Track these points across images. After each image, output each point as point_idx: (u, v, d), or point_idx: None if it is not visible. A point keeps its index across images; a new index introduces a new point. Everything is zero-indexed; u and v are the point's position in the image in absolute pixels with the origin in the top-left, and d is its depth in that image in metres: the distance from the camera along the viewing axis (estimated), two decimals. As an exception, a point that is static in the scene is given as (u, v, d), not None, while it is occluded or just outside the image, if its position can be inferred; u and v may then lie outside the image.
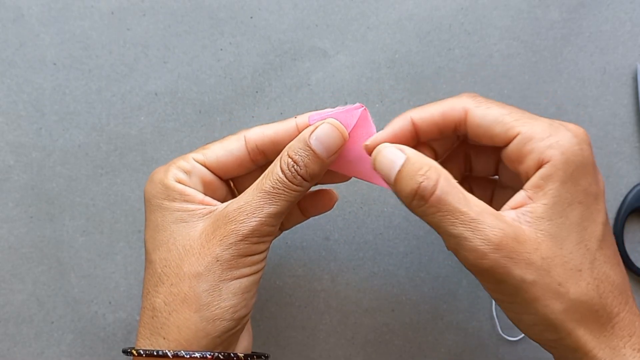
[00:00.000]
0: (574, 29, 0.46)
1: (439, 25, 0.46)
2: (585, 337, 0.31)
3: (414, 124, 0.34)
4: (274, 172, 0.34)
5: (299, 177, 0.33)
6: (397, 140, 0.34)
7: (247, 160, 0.36)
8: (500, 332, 0.45)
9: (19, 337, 0.45)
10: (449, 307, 0.46)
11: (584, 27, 0.46)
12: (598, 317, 0.31)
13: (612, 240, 0.33)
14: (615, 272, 0.32)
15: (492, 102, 0.34)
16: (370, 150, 0.34)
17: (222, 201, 0.37)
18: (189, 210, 0.34)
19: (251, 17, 0.46)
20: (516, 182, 0.34)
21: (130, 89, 0.46)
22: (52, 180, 0.45)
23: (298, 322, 0.46)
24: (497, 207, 0.39)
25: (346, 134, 0.34)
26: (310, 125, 0.35)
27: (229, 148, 0.36)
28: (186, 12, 0.46)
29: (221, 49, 0.46)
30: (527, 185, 0.32)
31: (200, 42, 0.46)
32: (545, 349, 0.33)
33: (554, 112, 0.46)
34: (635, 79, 0.46)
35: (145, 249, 0.35)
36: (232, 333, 0.34)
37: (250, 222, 0.33)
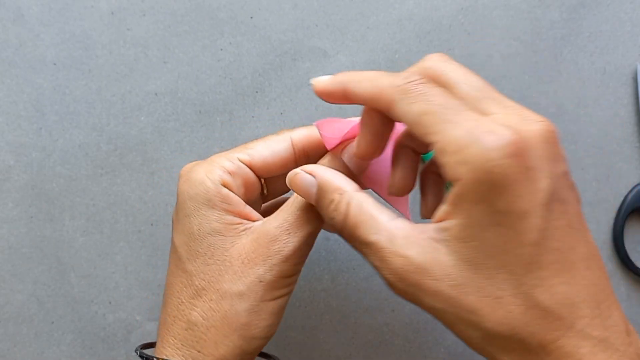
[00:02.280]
0: (574, 29, 0.46)
1: (439, 25, 0.46)
2: None
3: (345, 94, 0.32)
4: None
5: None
6: (328, 96, 0.33)
7: (291, 162, 0.35)
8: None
9: (19, 337, 0.45)
10: (449, 307, 0.46)
11: (584, 27, 0.46)
12: (525, 345, 0.27)
13: (556, 259, 0.27)
14: (552, 297, 0.27)
15: (422, 92, 0.29)
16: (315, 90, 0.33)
17: (255, 199, 0.36)
18: (227, 223, 0.33)
19: (251, 17, 0.46)
20: None
21: (130, 89, 0.46)
22: (52, 180, 0.45)
23: (298, 322, 0.46)
24: None
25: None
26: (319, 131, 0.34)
27: (275, 149, 0.35)
28: (186, 12, 0.46)
29: (221, 49, 0.46)
30: (446, 198, 0.28)
31: (200, 42, 0.46)
32: None
33: (554, 112, 0.46)
34: (635, 79, 0.46)
35: (177, 255, 0.34)
36: (259, 350, 0.34)
37: (293, 243, 0.33)
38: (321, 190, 0.31)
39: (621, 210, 0.45)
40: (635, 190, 0.45)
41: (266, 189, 0.38)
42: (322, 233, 0.45)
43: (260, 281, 0.32)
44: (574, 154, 0.46)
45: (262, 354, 0.39)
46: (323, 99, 0.33)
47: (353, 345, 0.46)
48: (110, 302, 0.46)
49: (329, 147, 0.34)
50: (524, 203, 0.27)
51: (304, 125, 0.46)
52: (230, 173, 0.34)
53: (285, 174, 0.35)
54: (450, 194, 0.28)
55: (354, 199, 0.30)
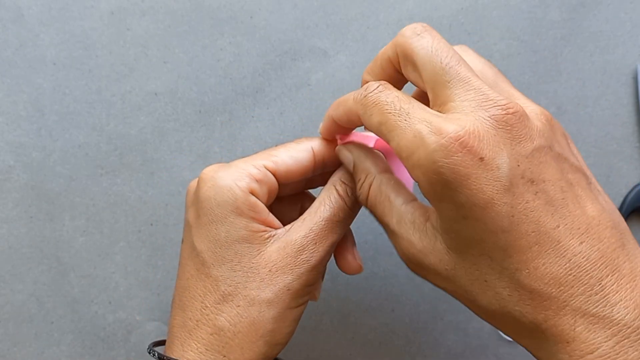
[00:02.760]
0: (574, 29, 0.46)
1: (439, 25, 0.46)
2: (518, 339, 0.29)
3: (335, 124, 0.35)
4: (333, 199, 0.35)
5: (353, 198, 0.35)
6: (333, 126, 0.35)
7: (310, 171, 0.36)
8: (500, 332, 0.45)
9: (19, 337, 0.45)
10: (449, 307, 0.46)
11: (584, 27, 0.46)
12: (519, 323, 0.28)
13: (535, 240, 0.27)
14: (537, 277, 0.27)
15: (377, 102, 0.30)
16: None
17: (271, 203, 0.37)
18: (254, 231, 0.33)
19: (251, 17, 0.46)
20: None
21: (130, 89, 0.46)
22: (52, 180, 0.45)
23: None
24: None
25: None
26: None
27: (298, 158, 0.35)
28: (186, 12, 0.46)
29: (221, 49, 0.46)
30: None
31: (200, 42, 0.46)
32: None
33: (554, 112, 0.46)
34: (635, 79, 0.46)
35: (202, 260, 0.34)
36: (277, 354, 0.35)
37: (319, 253, 0.34)
38: (354, 168, 0.34)
39: (621, 210, 0.45)
40: (635, 190, 0.45)
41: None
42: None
43: (288, 289, 0.33)
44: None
45: None
46: (329, 138, 0.36)
47: (353, 345, 0.46)
48: (110, 302, 0.46)
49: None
50: (484, 194, 0.27)
51: (303, 125, 0.46)
52: (257, 181, 0.34)
53: (300, 181, 0.37)
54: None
55: (375, 181, 0.33)
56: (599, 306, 0.27)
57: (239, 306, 0.33)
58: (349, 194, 0.35)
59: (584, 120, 0.46)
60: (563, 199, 0.28)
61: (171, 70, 0.46)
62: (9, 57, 0.45)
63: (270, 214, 0.34)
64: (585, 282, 0.27)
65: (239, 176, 0.33)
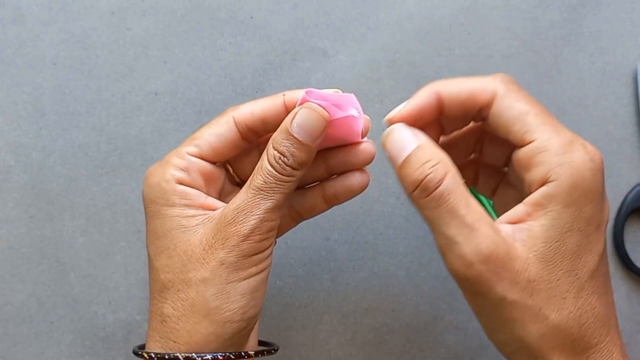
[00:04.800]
0: (574, 29, 0.46)
1: (439, 25, 0.46)
2: None
3: (438, 99, 0.33)
4: (263, 167, 0.33)
5: (287, 168, 0.33)
6: (420, 113, 0.33)
7: (239, 141, 0.35)
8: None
9: (19, 337, 0.45)
10: (449, 307, 0.46)
11: (584, 27, 0.46)
12: (574, 346, 0.30)
13: (605, 270, 0.31)
14: (601, 303, 0.30)
15: (523, 95, 0.32)
16: (395, 121, 0.33)
17: (223, 187, 0.37)
18: (189, 216, 0.34)
19: (251, 17, 0.46)
20: (521, 185, 0.33)
21: (130, 89, 0.46)
22: (52, 180, 0.45)
23: (298, 322, 0.46)
24: (499, 203, 0.38)
25: (327, 115, 0.33)
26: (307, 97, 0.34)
27: (219, 133, 0.35)
28: (186, 12, 0.46)
29: (221, 49, 0.46)
30: (528, 200, 0.31)
31: (200, 42, 0.46)
32: None
33: (554, 112, 0.46)
34: (635, 79, 0.46)
35: (148, 256, 0.35)
36: (243, 334, 0.34)
37: (249, 222, 0.32)
38: (421, 150, 0.31)
39: (621, 210, 0.45)
40: (635, 190, 0.45)
41: (237, 176, 0.38)
42: (322, 232, 0.46)
43: (222, 264, 0.32)
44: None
45: (262, 343, 0.39)
46: (409, 123, 0.33)
47: (353, 345, 0.46)
48: (110, 302, 0.46)
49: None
50: (601, 215, 0.31)
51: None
52: (183, 169, 0.34)
53: (245, 156, 0.36)
54: (538, 194, 0.30)
55: (452, 169, 0.31)
56: (620, 339, 0.32)
57: (178, 291, 0.33)
58: (280, 160, 0.33)
59: (584, 120, 0.46)
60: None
61: (171, 70, 0.46)
62: (9, 57, 0.45)
63: (209, 197, 0.35)
64: (615, 318, 0.32)
65: (164, 170, 0.34)
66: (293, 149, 0.33)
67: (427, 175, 0.30)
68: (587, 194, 0.30)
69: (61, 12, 0.46)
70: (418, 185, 0.31)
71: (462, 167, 0.34)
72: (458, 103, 0.33)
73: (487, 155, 0.38)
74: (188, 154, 0.35)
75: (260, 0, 0.46)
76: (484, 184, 0.37)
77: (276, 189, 0.33)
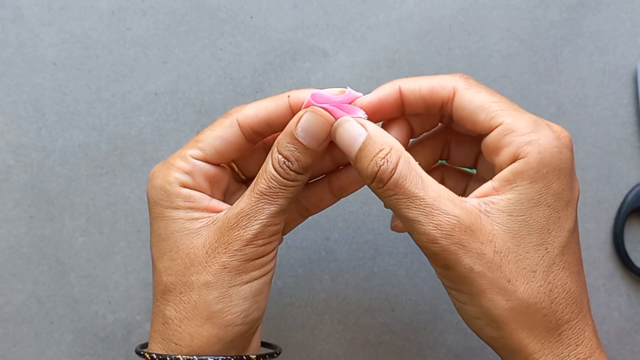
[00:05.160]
0: (574, 29, 0.46)
1: (439, 25, 0.46)
2: (528, 339, 0.30)
3: (401, 94, 0.34)
4: (267, 171, 0.33)
5: (292, 172, 0.32)
6: (381, 107, 0.34)
7: (244, 143, 0.35)
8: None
9: (19, 337, 0.45)
10: (449, 307, 0.46)
11: (584, 27, 0.46)
12: (546, 322, 0.30)
13: (576, 249, 0.32)
14: (573, 280, 0.31)
15: (483, 87, 0.33)
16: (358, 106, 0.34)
17: (228, 187, 0.37)
18: (193, 219, 0.34)
19: (251, 17, 0.46)
20: (492, 176, 0.33)
21: (130, 89, 0.46)
22: (52, 180, 0.45)
23: (298, 322, 0.46)
24: None
25: (332, 119, 0.33)
26: (309, 98, 0.33)
27: (223, 136, 0.35)
28: (186, 12, 0.46)
29: (221, 49, 0.46)
30: (497, 177, 0.31)
31: (200, 42, 0.46)
32: (489, 344, 0.33)
33: (554, 112, 0.46)
34: (635, 79, 0.46)
35: (151, 256, 0.35)
36: (245, 336, 0.34)
37: (252, 226, 0.32)
38: (370, 140, 0.32)
39: (621, 210, 0.45)
40: (635, 190, 0.45)
41: (242, 174, 0.38)
42: (322, 232, 0.46)
43: (225, 267, 0.32)
44: (574, 154, 0.46)
45: (265, 344, 0.39)
46: (374, 116, 0.34)
47: (353, 345, 0.46)
48: (110, 302, 0.46)
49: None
50: (571, 193, 0.31)
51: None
52: (187, 172, 0.34)
53: (250, 154, 0.36)
54: (506, 171, 0.31)
55: (404, 153, 0.31)
56: (591, 319, 0.32)
57: (181, 293, 0.33)
58: (285, 164, 0.32)
59: (584, 120, 0.46)
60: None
61: (171, 70, 0.46)
62: (9, 57, 0.45)
63: (214, 200, 0.34)
64: (587, 297, 0.32)
65: (168, 172, 0.34)
66: (298, 154, 0.32)
67: (381, 167, 0.31)
68: (555, 170, 0.30)
69: (61, 12, 0.46)
70: (374, 178, 0.31)
71: (429, 172, 0.34)
72: (419, 98, 0.33)
73: (454, 157, 0.38)
74: (192, 157, 0.34)
75: (260, 0, 0.46)
76: (453, 187, 0.37)
77: (280, 193, 0.33)
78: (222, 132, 0.35)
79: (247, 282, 0.33)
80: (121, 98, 0.46)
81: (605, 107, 0.46)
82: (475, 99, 0.32)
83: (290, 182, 0.33)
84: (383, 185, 0.31)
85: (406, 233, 0.46)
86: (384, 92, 0.34)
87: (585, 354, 0.30)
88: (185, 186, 0.34)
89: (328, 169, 0.37)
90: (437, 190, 0.31)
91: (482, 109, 0.32)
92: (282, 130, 0.34)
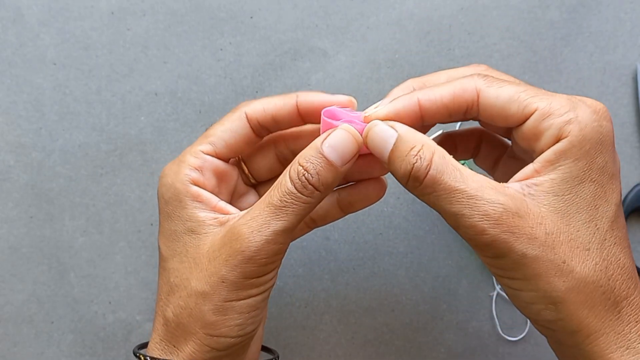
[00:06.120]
0: (574, 29, 0.46)
1: (439, 25, 0.46)
2: (589, 319, 0.29)
3: (420, 107, 0.32)
4: (282, 183, 0.31)
5: (310, 186, 0.31)
6: (398, 120, 0.32)
7: (252, 137, 0.35)
8: (500, 332, 0.45)
9: (19, 337, 0.45)
10: (449, 307, 0.46)
11: (584, 27, 0.46)
12: (604, 299, 0.29)
13: (623, 222, 0.31)
14: (625, 255, 0.30)
15: (504, 78, 0.32)
16: (368, 122, 0.33)
17: (236, 188, 0.36)
18: (200, 220, 0.33)
19: (251, 17, 0.46)
20: (531, 158, 0.32)
21: (130, 89, 0.46)
22: (52, 180, 0.45)
23: (298, 322, 0.46)
24: (501, 175, 0.38)
25: (361, 141, 0.32)
26: (322, 116, 0.33)
27: (232, 128, 0.34)
28: (186, 12, 0.46)
29: (221, 49, 0.46)
30: (539, 159, 0.30)
31: (200, 42, 0.46)
32: (541, 330, 0.32)
33: (554, 112, 0.46)
34: (635, 79, 0.46)
35: (160, 255, 0.35)
36: (240, 346, 0.34)
37: (255, 241, 0.31)
38: (402, 141, 0.31)
39: (621, 210, 0.45)
40: (635, 190, 0.45)
41: (252, 177, 0.38)
42: (322, 232, 0.46)
43: (223, 282, 0.32)
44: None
45: (264, 348, 0.39)
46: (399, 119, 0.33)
47: (353, 345, 0.46)
48: (110, 302, 0.46)
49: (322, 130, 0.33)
50: (614, 165, 0.31)
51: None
52: (197, 169, 0.34)
53: (261, 156, 0.36)
54: (549, 152, 0.30)
55: (438, 149, 0.31)
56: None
57: (181, 297, 0.33)
58: (304, 177, 0.31)
59: (584, 120, 0.46)
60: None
61: (171, 70, 0.46)
62: (9, 57, 0.45)
63: (221, 201, 0.34)
64: (627, 280, 0.31)
65: (179, 169, 0.34)
66: (320, 168, 0.31)
67: (414, 164, 0.30)
68: (597, 145, 0.30)
69: (61, 12, 0.46)
70: (409, 177, 0.30)
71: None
72: (441, 108, 0.32)
73: (480, 156, 0.38)
74: (202, 152, 0.34)
75: (260, 0, 0.46)
76: (485, 157, 0.37)
77: (292, 208, 0.31)
78: (230, 125, 0.35)
79: (243, 299, 0.32)
80: (121, 98, 0.46)
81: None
82: (501, 94, 0.31)
83: (304, 197, 0.31)
84: (420, 183, 0.30)
85: (408, 233, 0.46)
86: (402, 105, 0.32)
87: None
88: (194, 183, 0.34)
89: (339, 183, 0.37)
90: (477, 181, 0.30)
91: (512, 102, 0.31)
92: (287, 127, 0.35)
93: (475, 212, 0.29)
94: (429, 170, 0.30)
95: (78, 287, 0.45)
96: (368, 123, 0.33)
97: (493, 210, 0.29)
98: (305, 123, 0.35)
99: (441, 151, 0.31)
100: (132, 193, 0.46)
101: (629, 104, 0.46)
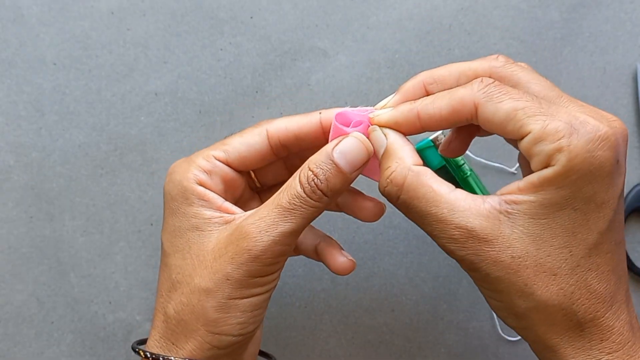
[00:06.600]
0: (574, 29, 0.46)
1: (439, 25, 0.46)
2: (548, 334, 0.30)
3: (419, 119, 0.32)
4: (292, 186, 0.32)
5: (318, 191, 0.32)
6: (397, 128, 0.33)
7: (269, 154, 0.35)
8: (500, 332, 0.45)
9: (19, 337, 0.45)
10: (449, 307, 0.46)
11: (584, 27, 0.46)
12: (566, 320, 0.30)
13: (611, 247, 0.31)
14: (601, 280, 0.30)
15: (505, 91, 0.31)
16: (374, 124, 0.34)
17: (241, 193, 0.37)
18: (205, 218, 0.33)
19: (251, 17, 0.46)
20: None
21: (130, 89, 0.46)
22: (52, 180, 0.45)
23: (298, 322, 0.46)
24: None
25: (372, 149, 0.33)
26: (334, 121, 0.33)
27: (250, 143, 0.35)
28: (186, 12, 0.46)
29: (221, 49, 0.46)
30: (525, 178, 0.30)
31: (200, 42, 0.46)
32: (515, 331, 0.33)
33: (554, 112, 0.46)
34: (635, 79, 0.46)
35: (163, 251, 0.35)
36: (239, 345, 0.34)
37: (263, 241, 0.32)
38: (386, 153, 0.32)
39: (621, 210, 0.45)
40: (635, 190, 0.45)
41: (258, 182, 0.38)
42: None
43: (228, 279, 0.32)
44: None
45: (261, 353, 0.39)
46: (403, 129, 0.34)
47: (353, 345, 0.46)
48: (110, 302, 0.46)
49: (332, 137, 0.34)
50: (607, 194, 0.30)
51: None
52: (206, 172, 0.34)
53: (269, 166, 0.37)
54: (534, 175, 0.29)
55: (411, 172, 0.31)
56: (625, 313, 0.31)
57: (183, 294, 0.33)
58: (313, 182, 0.32)
59: (584, 120, 0.46)
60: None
61: (171, 70, 0.46)
62: (9, 57, 0.45)
63: (226, 202, 0.34)
64: (623, 292, 0.31)
65: (187, 168, 0.34)
66: (329, 174, 0.32)
67: (385, 188, 0.32)
68: (586, 175, 0.29)
69: (61, 12, 0.46)
70: (386, 197, 0.32)
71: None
72: (440, 120, 0.32)
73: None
74: (215, 157, 0.35)
75: (260, 0, 0.46)
76: None
77: (300, 211, 0.32)
78: (250, 139, 0.35)
79: (247, 297, 0.33)
80: (121, 98, 0.46)
81: (605, 107, 0.46)
82: (498, 110, 0.30)
83: (312, 202, 0.32)
84: (395, 203, 0.32)
85: (408, 233, 0.46)
86: (402, 116, 0.33)
87: (611, 348, 0.30)
88: (201, 184, 0.34)
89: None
90: (451, 201, 0.30)
91: (508, 120, 0.30)
92: (309, 145, 0.35)
93: (444, 235, 0.31)
94: (399, 195, 0.31)
95: (78, 287, 0.45)
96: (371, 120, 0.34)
97: (460, 234, 0.30)
98: (328, 141, 0.35)
99: (416, 172, 0.31)
100: (132, 193, 0.46)
101: (629, 104, 0.46)
